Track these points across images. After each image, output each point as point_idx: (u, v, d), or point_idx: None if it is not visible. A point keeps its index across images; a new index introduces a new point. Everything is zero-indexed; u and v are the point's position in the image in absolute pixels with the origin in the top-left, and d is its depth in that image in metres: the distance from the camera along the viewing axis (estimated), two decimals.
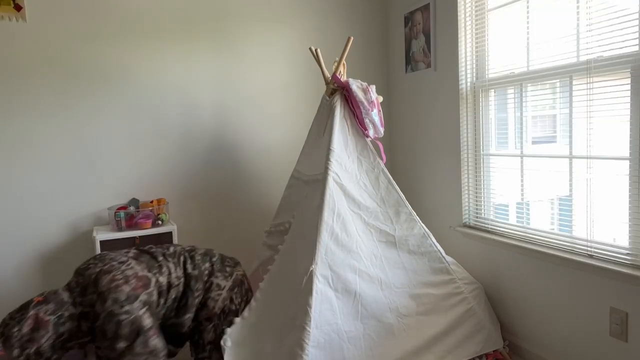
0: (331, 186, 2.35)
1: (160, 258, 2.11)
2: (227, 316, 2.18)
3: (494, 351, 2.50)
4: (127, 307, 1.85)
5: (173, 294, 2.07)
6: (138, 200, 2.90)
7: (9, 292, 2.74)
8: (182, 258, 2.18)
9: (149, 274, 2.00)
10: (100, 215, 2.91)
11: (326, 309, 2.15)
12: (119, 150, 2.94)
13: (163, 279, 2.04)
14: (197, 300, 2.13)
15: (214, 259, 2.27)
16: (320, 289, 2.16)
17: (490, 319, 2.58)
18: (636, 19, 1.94)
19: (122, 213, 2.76)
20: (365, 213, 2.44)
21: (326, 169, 2.38)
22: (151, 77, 2.98)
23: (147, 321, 1.90)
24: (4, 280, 2.73)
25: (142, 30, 2.94)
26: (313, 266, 2.17)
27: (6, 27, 2.65)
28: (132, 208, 2.83)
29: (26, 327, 1.81)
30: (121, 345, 1.84)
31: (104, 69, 2.87)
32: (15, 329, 1.80)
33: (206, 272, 2.20)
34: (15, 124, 2.70)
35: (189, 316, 2.12)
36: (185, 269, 2.16)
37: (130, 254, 2.09)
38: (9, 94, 2.68)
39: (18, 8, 2.65)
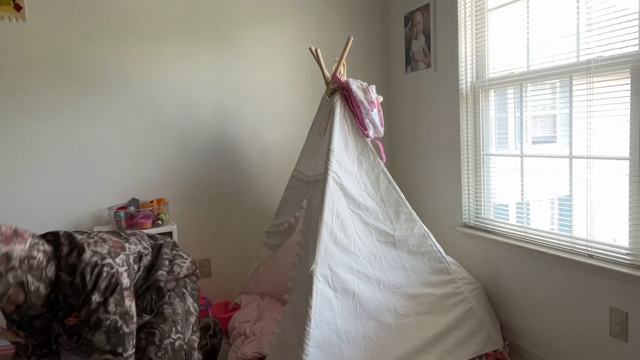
0: (331, 186, 2.35)
1: (123, 234, 2.05)
2: (188, 278, 2.15)
3: (494, 351, 2.50)
4: (108, 260, 1.76)
5: (145, 261, 2.03)
6: (138, 200, 2.90)
7: None
8: (143, 235, 2.17)
9: (122, 240, 1.95)
10: (100, 215, 2.91)
11: (326, 309, 2.15)
12: (119, 150, 2.94)
13: (134, 247, 1.99)
14: (166, 261, 2.11)
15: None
16: (320, 289, 2.16)
17: (490, 319, 2.58)
18: (636, 19, 1.94)
19: (122, 213, 2.76)
20: (365, 213, 2.43)
21: (326, 169, 2.37)
22: (151, 77, 2.98)
23: (126, 280, 1.80)
24: None
25: (142, 30, 2.94)
26: (313, 266, 2.17)
27: (6, 27, 2.65)
28: (132, 208, 2.83)
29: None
30: (96, 298, 1.71)
31: (103, 69, 2.87)
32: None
33: (170, 243, 2.22)
34: (15, 123, 2.70)
35: (161, 272, 2.06)
36: (153, 238, 2.17)
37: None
38: (9, 94, 2.68)
39: (18, 8, 2.65)
